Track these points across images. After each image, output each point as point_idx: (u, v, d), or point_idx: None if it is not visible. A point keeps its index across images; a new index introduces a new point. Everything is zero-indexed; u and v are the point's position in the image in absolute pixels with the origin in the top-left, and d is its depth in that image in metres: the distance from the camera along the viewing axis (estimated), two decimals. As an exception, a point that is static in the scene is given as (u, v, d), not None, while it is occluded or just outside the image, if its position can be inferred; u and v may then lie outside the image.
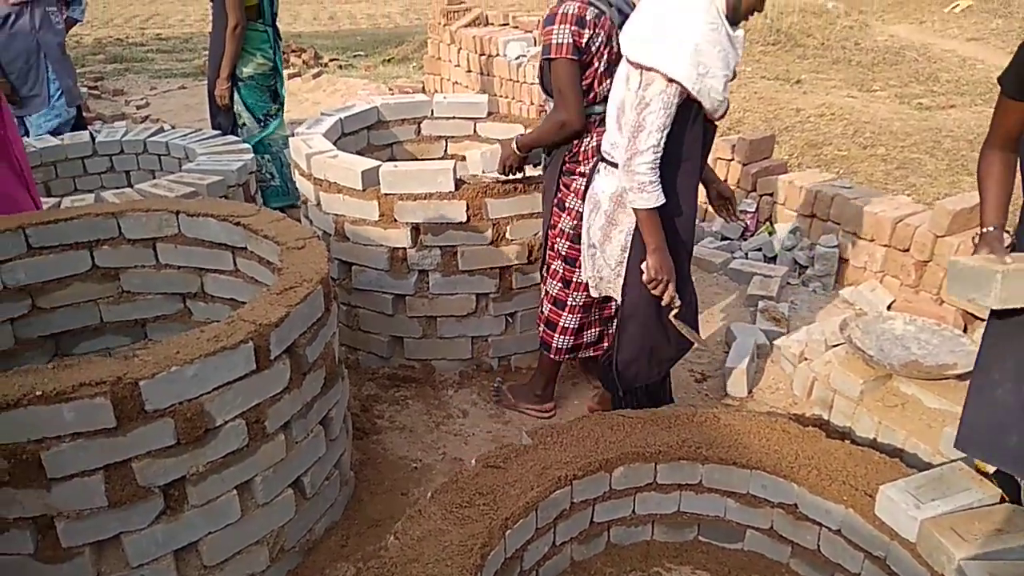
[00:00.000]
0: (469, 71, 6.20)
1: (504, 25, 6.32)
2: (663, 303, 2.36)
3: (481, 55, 5.97)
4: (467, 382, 3.12)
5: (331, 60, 9.78)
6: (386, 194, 2.87)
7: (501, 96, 5.74)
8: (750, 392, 3.05)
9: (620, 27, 2.51)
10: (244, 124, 4.42)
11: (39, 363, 2.66)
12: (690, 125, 2.23)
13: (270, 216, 2.54)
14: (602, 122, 2.57)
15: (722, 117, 2.30)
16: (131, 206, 2.65)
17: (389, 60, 10.23)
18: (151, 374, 1.71)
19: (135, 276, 2.70)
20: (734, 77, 2.24)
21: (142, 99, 7.97)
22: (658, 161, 2.19)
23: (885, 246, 3.65)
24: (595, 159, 2.56)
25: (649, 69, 2.12)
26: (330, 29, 13.97)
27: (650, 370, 2.58)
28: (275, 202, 4.49)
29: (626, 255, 2.43)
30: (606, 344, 2.93)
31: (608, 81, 2.54)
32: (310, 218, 3.18)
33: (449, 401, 3.02)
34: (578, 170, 2.63)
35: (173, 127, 6.49)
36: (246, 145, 4.10)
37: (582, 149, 2.61)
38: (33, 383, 1.65)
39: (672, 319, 2.39)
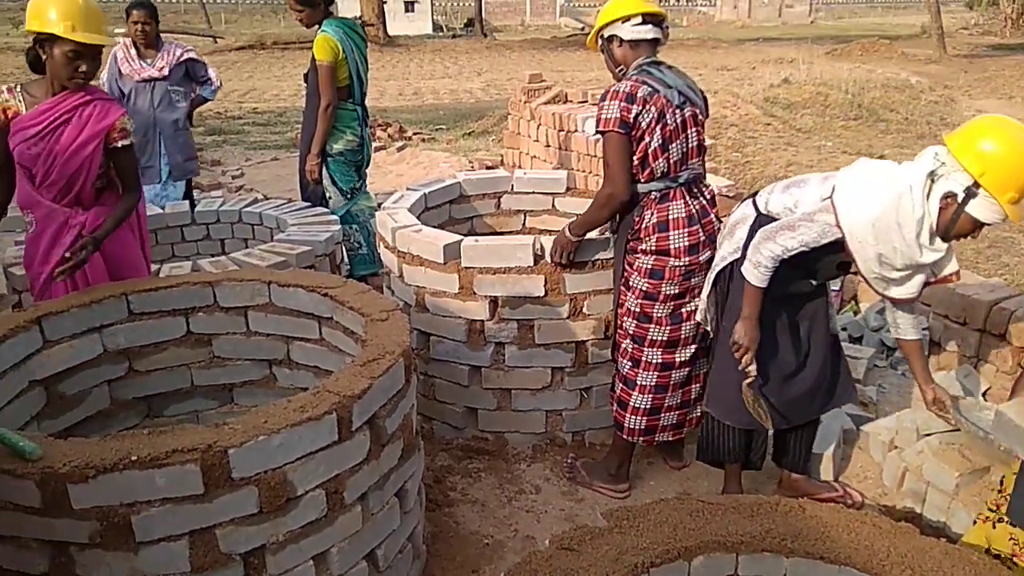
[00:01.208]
0: (548, 146, 6.34)
1: (583, 102, 6.46)
2: (739, 367, 2.49)
3: (560, 131, 6.12)
4: (540, 456, 3.09)
5: (415, 134, 10.15)
6: (466, 267, 2.93)
7: (578, 171, 5.83)
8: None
9: (680, 107, 2.59)
10: (330, 198, 4.61)
11: (132, 424, 2.79)
12: (832, 256, 2.42)
13: (356, 288, 2.63)
14: (662, 198, 2.61)
15: (895, 299, 2.46)
16: (226, 275, 2.79)
17: (470, 133, 10.56)
18: (239, 443, 1.77)
19: (226, 342, 2.81)
20: (935, 281, 2.44)
21: (238, 169, 8.41)
22: (782, 259, 2.37)
23: (979, 330, 3.49)
24: (656, 235, 2.59)
25: (834, 203, 2.30)
26: (414, 104, 14.55)
27: (740, 409, 2.57)
28: (361, 269, 4.62)
29: (714, 273, 2.59)
30: (687, 430, 2.88)
31: (663, 157, 2.58)
32: (392, 289, 3.27)
33: (522, 475, 3.00)
34: (640, 248, 2.66)
35: (266, 197, 6.81)
36: (334, 216, 4.27)
37: (643, 226, 2.64)
38: (129, 448, 1.72)
39: (743, 386, 2.51)
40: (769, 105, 10.78)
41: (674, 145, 2.59)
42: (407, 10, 39.70)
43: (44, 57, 2.61)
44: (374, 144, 9.07)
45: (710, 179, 3.12)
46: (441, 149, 9.21)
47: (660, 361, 2.74)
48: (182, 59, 4.83)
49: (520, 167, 6.87)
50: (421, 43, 29.80)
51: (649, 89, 2.55)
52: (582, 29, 35.23)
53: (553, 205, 3.96)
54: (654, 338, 2.71)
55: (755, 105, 10.57)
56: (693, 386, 2.85)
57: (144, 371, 2.74)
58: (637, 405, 2.76)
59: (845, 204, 2.28)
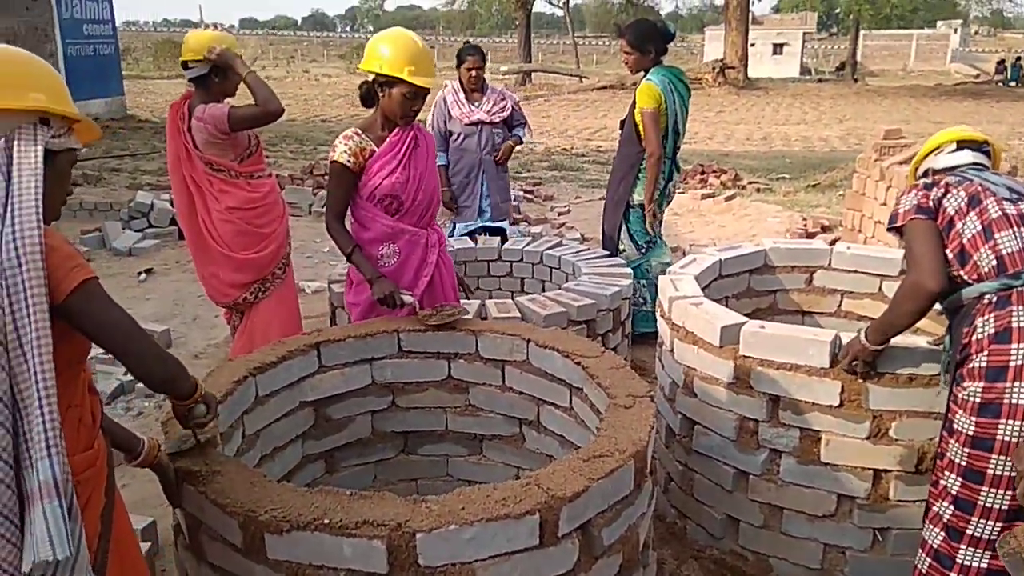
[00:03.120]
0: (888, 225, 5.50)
1: (950, 163, 5.49)
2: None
3: (913, 195, 5.25)
4: (810, 597, 2.55)
5: (750, 183, 9.60)
6: (745, 356, 2.53)
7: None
8: None
9: (1011, 201, 2.05)
10: (623, 250, 4.43)
11: (388, 456, 2.86)
12: None
13: (611, 362, 2.39)
14: (1002, 302, 1.96)
15: None
16: (489, 327, 2.73)
17: (813, 186, 9.70)
18: (429, 528, 1.63)
19: (482, 392, 2.76)
20: None
21: (565, 207, 8.66)
22: None
23: None
24: (991, 348, 1.94)
25: None
26: (760, 150, 13.87)
27: None
28: (643, 326, 4.37)
29: None
30: None
31: (988, 246, 1.99)
32: (662, 362, 2.96)
33: (781, 615, 2.49)
34: (967, 369, 1.99)
35: (583, 238, 6.90)
36: (627, 270, 4.08)
37: (974, 339, 1.98)
38: (326, 508, 1.67)
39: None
40: None
41: (1004, 234, 1.99)
42: (775, 52, 38.62)
43: (381, 95, 2.77)
44: (702, 191, 8.78)
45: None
46: (775, 201, 8.55)
47: (997, 538, 1.97)
48: (508, 108, 4.95)
49: (860, 231, 6.06)
50: (782, 86, 28.66)
51: (958, 178, 2.11)
52: (976, 76, 31.03)
53: (880, 288, 3.33)
54: (988, 505, 1.96)
55: None
56: None
57: (405, 407, 2.79)
58: (951, 590, 2.06)
59: None
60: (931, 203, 2.08)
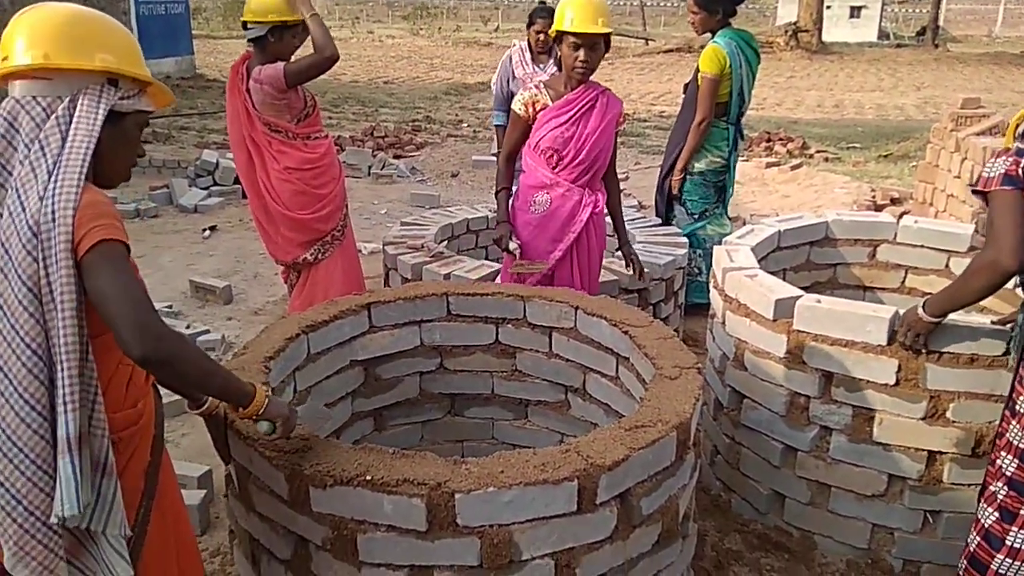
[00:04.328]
0: (971, 185, 5.25)
1: (1033, 134, 5.20)
2: None
3: (991, 168, 5.00)
4: (854, 576, 2.50)
5: (818, 151, 9.28)
6: (798, 330, 2.47)
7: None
8: None
9: None
10: (674, 216, 4.35)
11: (436, 417, 2.90)
12: None
13: (659, 332, 2.37)
14: None
15: None
16: (538, 293, 2.72)
17: (885, 156, 9.34)
18: (468, 489, 1.65)
19: (528, 358, 2.77)
20: None
21: (624, 173, 8.52)
22: None
23: None
24: None
25: None
26: (831, 117, 13.37)
27: None
28: (697, 297, 4.30)
29: None
30: None
31: None
32: (713, 334, 2.91)
33: (825, 593, 2.46)
34: None
35: (640, 205, 6.80)
36: (683, 239, 4.01)
37: None
38: (369, 465, 1.71)
39: None
40: None
41: None
42: (852, 15, 36.95)
43: (559, 53, 2.91)
44: (767, 159, 8.54)
45: None
46: (843, 171, 8.25)
47: None
48: None
49: (931, 205, 5.82)
50: (858, 51, 27.49)
51: None
52: (1070, 40, 29.25)
53: (947, 265, 3.20)
54: None
55: None
56: None
57: (452, 370, 2.82)
58: (1002, 572, 2.02)
59: None
60: (1020, 172, 1.96)
